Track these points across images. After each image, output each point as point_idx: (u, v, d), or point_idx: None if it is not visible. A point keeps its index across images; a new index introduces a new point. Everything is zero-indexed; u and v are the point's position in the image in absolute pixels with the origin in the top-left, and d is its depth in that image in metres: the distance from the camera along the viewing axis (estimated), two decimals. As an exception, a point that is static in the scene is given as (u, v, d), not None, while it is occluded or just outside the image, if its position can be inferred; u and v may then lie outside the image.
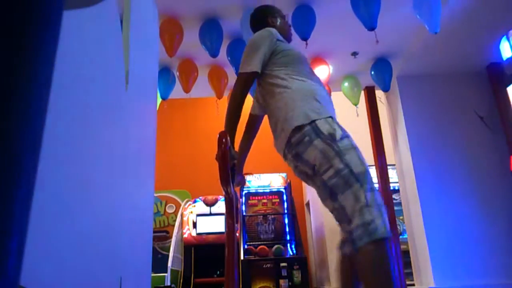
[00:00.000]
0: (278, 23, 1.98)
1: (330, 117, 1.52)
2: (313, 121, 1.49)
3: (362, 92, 4.20)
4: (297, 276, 4.57)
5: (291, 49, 1.77)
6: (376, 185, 4.21)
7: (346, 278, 1.51)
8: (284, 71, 1.68)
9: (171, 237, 5.23)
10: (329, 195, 1.46)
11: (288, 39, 2.01)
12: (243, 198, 5.50)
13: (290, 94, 1.60)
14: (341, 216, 1.42)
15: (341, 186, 1.40)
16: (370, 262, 1.35)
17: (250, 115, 2.00)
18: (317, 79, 1.72)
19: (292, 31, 2.18)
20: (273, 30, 1.81)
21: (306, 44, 3.01)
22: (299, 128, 1.50)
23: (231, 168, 1.63)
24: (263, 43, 1.72)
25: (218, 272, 5.10)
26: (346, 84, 4.09)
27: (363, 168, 1.43)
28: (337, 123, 1.53)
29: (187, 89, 3.60)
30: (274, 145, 1.70)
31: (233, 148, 1.66)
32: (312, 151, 1.46)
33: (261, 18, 2.00)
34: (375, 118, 4.19)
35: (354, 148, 1.47)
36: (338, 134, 1.47)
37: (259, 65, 1.69)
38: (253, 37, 1.80)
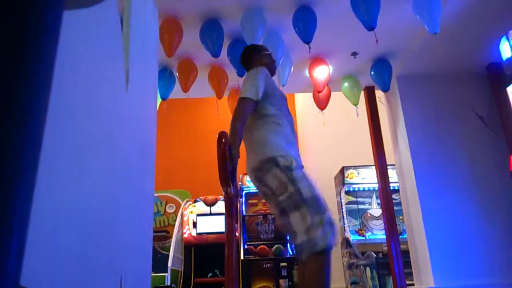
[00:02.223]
0: (263, 60, 2.29)
1: (290, 155, 1.89)
2: (274, 156, 1.87)
3: (362, 92, 4.20)
4: (297, 276, 4.57)
5: (276, 90, 2.13)
6: (376, 185, 4.20)
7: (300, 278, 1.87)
8: (268, 110, 2.02)
9: (171, 237, 5.23)
10: (280, 213, 1.84)
11: (273, 72, 2.32)
12: (243, 198, 5.49)
13: (265, 133, 1.97)
14: (289, 231, 1.79)
15: (292, 207, 1.77)
16: (311, 270, 1.72)
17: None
18: (290, 120, 2.10)
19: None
20: (266, 71, 2.12)
21: (309, 48, 3.01)
22: (263, 160, 1.89)
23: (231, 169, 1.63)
24: (262, 79, 2.03)
25: (218, 272, 5.09)
26: (346, 84, 4.08)
27: (311, 194, 1.79)
28: (294, 159, 1.89)
29: (185, 89, 3.59)
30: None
31: (237, 152, 1.87)
32: (271, 176, 1.85)
33: (248, 56, 2.34)
34: (375, 118, 4.19)
35: (306, 179, 1.85)
36: (294, 166, 1.84)
37: (260, 95, 1.99)
38: (254, 71, 2.11)
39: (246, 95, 1.96)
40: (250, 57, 2.31)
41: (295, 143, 2.06)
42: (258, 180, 1.92)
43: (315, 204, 1.78)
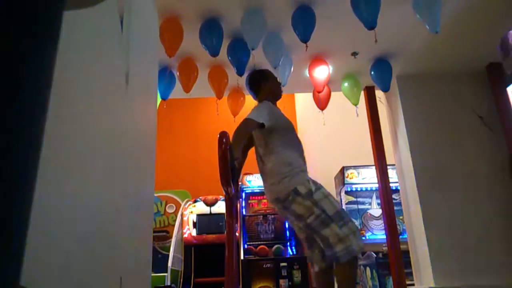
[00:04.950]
0: (269, 85, 2.43)
1: (307, 180, 2.09)
2: (295, 187, 2.06)
3: (362, 92, 4.20)
4: (297, 276, 4.57)
5: (283, 120, 2.29)
6: (376, 185, 4.20)
7: (327, 285, 2.13)
8: (278, 141, 2.18)
9: (171, 237, 5.23)
10: (312, 231, 2.05)
11: (279, 96, 2.47)
12: (243, 198, 5.49)
13: (281, 166, 2.13)
14: (324, 243, 2.00)
15: (321, 226, 2.00)
16: (350, 271, 2.02)
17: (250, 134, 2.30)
18: (299, 146, 2.28)
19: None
20: (273, 106, 2.31)
21: (306, 46, 3.01)
22: (289, 192, 2.07)
23: (231, 169, 1.63)
24: (271, 111, 2.21)
25: (218, 272, 5.09)
26: (346, 84, 4.08)
27: (335, 210, 2.02)
28: (311, 181, 2.10)
29: (187, 89, 3.59)
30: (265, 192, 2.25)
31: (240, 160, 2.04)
32: (296, 205, 2.05)
33: (254, 81, 2.47)
34: (375, 118, 4.18)
35: (326, 196, 2.06)
36: (313, 189, 2.05)
37: (268, 120, 2.13)
38: (263, 105, 2.26)
39: (250, 116, 2.13)
40: (259, 84, 2.44)
41: (306, 166, 2.23)
42: (284, 208, 2.12)
43: (340, 217, 2.00)
